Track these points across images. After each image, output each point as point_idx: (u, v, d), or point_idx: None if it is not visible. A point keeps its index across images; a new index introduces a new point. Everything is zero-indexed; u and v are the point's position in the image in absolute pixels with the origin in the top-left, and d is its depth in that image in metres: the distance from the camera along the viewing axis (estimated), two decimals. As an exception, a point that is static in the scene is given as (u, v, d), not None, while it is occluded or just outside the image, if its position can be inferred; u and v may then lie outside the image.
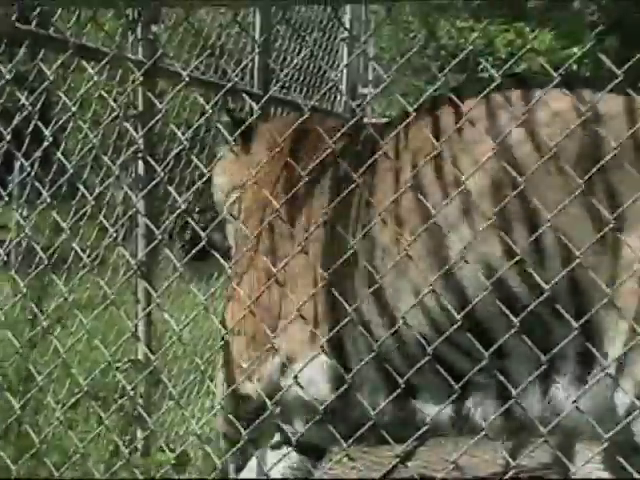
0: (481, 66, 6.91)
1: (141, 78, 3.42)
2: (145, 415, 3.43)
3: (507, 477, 2.47)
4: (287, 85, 5.05)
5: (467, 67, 6.54)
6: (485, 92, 2.36)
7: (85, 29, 3.30)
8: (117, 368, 3.43)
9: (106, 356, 3.01)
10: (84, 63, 3.46)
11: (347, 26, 5.50)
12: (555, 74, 2.23)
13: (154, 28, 3.66)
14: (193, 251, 2.69)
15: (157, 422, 3.37)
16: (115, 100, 3.56)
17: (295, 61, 5.04)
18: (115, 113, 3.47)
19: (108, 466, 3.18)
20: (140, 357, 3.59)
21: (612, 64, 2.17)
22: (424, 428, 2.51)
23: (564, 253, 2.38)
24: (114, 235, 3.09)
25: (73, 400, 3.22)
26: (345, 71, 5.64)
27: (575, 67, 7.72)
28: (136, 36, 3.65)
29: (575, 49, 7.58)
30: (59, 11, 3.32)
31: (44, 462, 3.01)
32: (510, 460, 3.72)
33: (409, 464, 3.82)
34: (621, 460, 2.36)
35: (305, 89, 5.29)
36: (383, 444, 4.27)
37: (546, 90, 2.33)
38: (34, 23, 3.10)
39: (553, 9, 8.22)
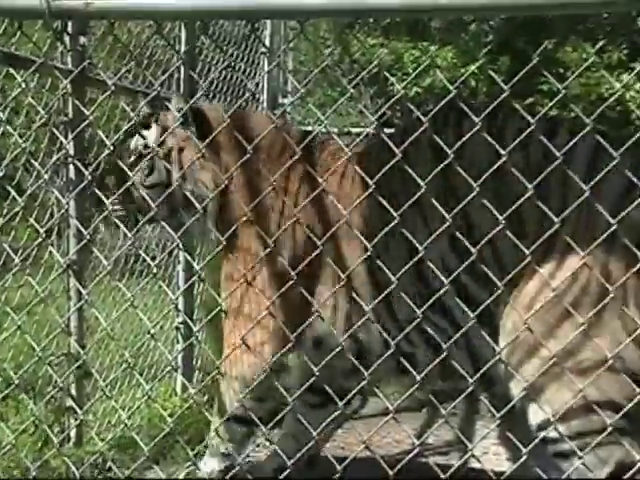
0: (389, 80, 6.90)
1: (69, 86, 3.27)
2: (75, 406, 3.28)
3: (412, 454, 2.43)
4: (211, 94, 4.92)
5: (377, 80, 6.51)
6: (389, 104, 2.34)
7: (13, 38, 3.11)
8: (49, 362, 3.27)
9: (37, 350, 2.91)
10: (13, 71, 3.31)
11: (267, 40, 5.46)
12: (452, 87, 2.25)
13: (82, 39, 3.50)
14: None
15: (88, 412, 3.20)
16: (46, 107, 3.40)
17: (217, 72, 4.94)
18: (44, 119, 3.32)
19: (40, 456, 3.00)
20: (72, 351, 3.40)
21: (502, 80, 2.24)
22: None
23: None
24: (43, 235, 2.95)
25: (5, 392, 3.06)
26: (266, 82, 5.58)
27: (473, 82, 7.74)
28: (65, 46, 3.47)
29: (472, 66, 7.62)
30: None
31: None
32: (415, 440, 3.73)
33: (327, 445, 3.70)
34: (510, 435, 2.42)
35: (228, 98, 5.18)
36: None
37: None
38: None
39: (453, 30, 8.27)
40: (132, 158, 3.33)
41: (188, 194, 3.11)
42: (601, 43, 7.22)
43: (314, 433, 2.71)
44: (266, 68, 5.51)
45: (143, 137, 3.37)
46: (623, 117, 7.38)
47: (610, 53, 7.53)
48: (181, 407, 3.87)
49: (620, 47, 7.79)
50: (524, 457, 2.23)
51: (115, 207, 3.13)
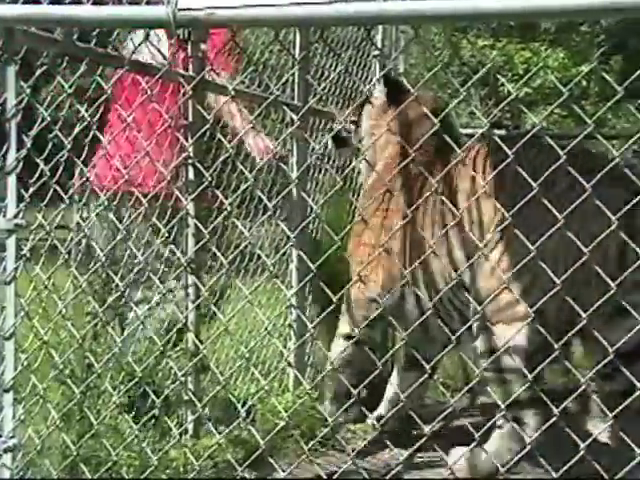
0: (500, 81, 6.77)
1: (191, 91, 3.33)
2: (194, 399, 3.33)
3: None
4: (324, 98, 4.93)
5: (488, 82, 6.40)
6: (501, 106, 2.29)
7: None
8: (169, 356, 3.34)
9: (158, 345, 2.99)
10: (139, 77, 3.39)
11: (379, 44, 5.41)
12: (564, 90, 2.16)
13: (203, 46, 3.56)
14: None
15: (205, 406, 3.24)
16: (167, 111, 3.46)
17: (332, 76, 4.95)
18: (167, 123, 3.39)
19: (160, 447, 3.06)
20: (190, 346, 3.46)
21: (615, 81, 2.19)
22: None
23: None
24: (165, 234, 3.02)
25: (129, 385, 3.14)
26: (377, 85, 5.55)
27: (585, 83, 7.51)
28: (187, 54, 3.54)
29: (584, 67, 7.42)
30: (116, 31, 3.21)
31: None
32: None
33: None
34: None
35: (341, 101, 5.18)
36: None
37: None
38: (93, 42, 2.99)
39: (564, 31, 8.05)
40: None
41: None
42: None
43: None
44: (378, 72, 5.48)
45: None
46: None
47: None
48: (294, 403, 3.88)
49: None
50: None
51: None
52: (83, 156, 3.14)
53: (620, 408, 2.32)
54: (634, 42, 8.07)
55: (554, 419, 2.30)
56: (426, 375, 3.13)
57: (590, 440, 2.26)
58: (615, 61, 8.12)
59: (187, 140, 3.43)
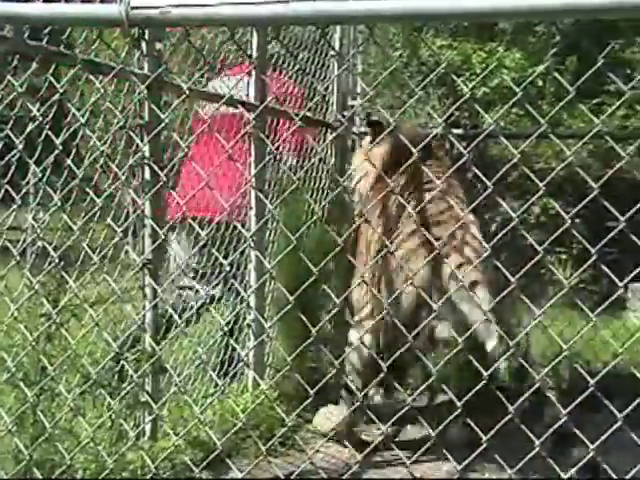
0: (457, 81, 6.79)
1: (146, 91, 3.29)
2: (151, 401, 3.30)
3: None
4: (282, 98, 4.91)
5: (445, 82, 6.43)
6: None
7: (93, 46, 3.14)
8: (125, 358, 3.30)
9: (114, 347, 2.95)
10: (92, 77, 3.34)
11: (337, 44, 5.42)
12: (518, 90, 2.24)
13: (158, 45, 3.52)
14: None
15: (162, 408, 3.22)
16: (122, 111, 3.43)
17: (289, 75, 4.94)
18: (121, 123, 3.35)
19: (116, 450, 3.02)
20: (147, 347, 3.42)
21: (570, 82, 2.23)
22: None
23: None
24: (120, 235, 2.99)
25: (84, 387, 3.10)
26: (335, 85, 5.56)
27: (541, 83, 7.59)
28: (141, 52, 3.50)
29: (540, 68, 7.48)
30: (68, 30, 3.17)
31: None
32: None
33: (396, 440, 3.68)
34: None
35: (298, 101, 5.16)
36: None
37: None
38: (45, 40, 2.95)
39: (520, 32, 8.12)
40: None
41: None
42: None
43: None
44: (336, 71, 5.48)
45: None
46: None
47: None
48: (253, 403, 3.86)
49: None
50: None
51: None
52: (36, 156, 3.09)
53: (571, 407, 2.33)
54: (587, 43, 8.15)
55: (509, 417, 2.31)
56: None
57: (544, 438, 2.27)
58: (570, 62, 8.21)
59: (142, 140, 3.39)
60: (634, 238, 2.12)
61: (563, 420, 2.19)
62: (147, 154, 3.39)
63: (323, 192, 5.19)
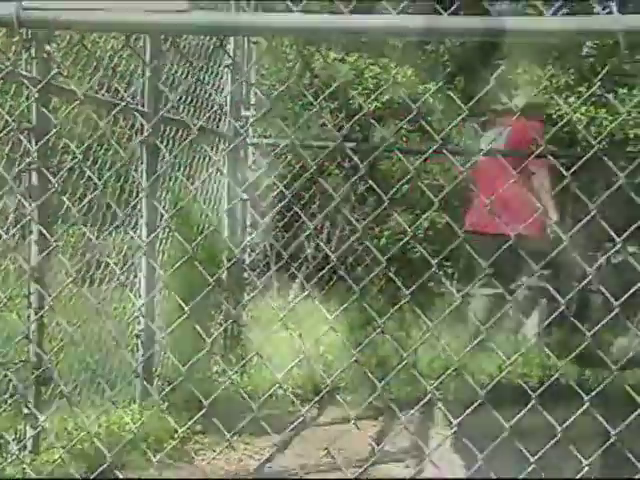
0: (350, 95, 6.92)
1: (36, 94, 3.20)
2: (35, 412, 3.20)
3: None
4: (176, 106, 4.87)
5: (337, 96, 6.52)
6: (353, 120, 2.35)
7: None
8: (8, 368, 3.19)
9: None
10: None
11: (230, 54, 5.42)
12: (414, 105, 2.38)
13: (48, 47, 3.43)
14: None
15: (45, 420, 3.13)
16: (10, 114, 3.33)
17: (183, 84, 4.90)
18: (10, 126, 3.25)
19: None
20: (32, 357, 3.33)
21: (459, 99, 2.33)
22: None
23: None
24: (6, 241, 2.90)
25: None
26: (229, 95, 5.55)
27: (431, 100, 7.81)
28: (30, 54, 3.39)
29: (431, 85, 7.70)
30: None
31: None
32: (375, 445, 3.74)
33: (286, 452, 3.69)
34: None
35: (193, 110, 5.13)
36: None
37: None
38: None
39: (411, 49, 8.34)
40: None
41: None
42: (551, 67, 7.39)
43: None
44: (229, 81, 5.47)
45: None
46: (570, 137, 7.61)
47: (559, 77, 7.72)
48: (140, 414, 3.80)
49: (568, 71, 7.99)
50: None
51: None
52: None
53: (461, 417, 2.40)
54: (474, 64, 8.45)
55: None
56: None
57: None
58: (458, 81, 8.47)
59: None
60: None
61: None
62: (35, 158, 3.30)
63: (219, 202, 5.17)
